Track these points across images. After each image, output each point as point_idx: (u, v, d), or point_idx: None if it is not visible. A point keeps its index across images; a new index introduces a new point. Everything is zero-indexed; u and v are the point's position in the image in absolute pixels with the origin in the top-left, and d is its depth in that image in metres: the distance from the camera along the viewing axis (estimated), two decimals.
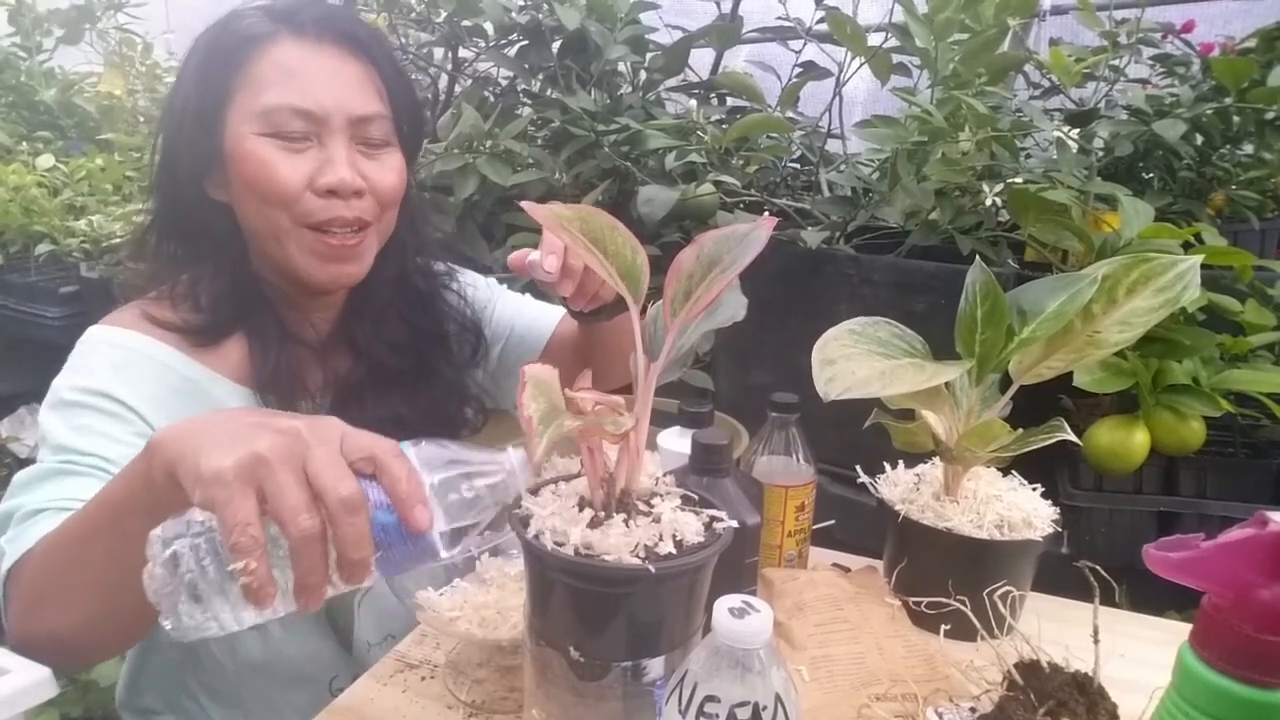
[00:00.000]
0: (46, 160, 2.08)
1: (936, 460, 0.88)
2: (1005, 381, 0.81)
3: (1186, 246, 1.04)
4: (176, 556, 0.49)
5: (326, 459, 0.50)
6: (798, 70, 1.51)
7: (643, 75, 1.64)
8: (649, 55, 1.62)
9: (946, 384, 0.79)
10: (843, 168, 1.46)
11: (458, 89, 1.79)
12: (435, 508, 0.52)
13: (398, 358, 0.92)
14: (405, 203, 0.89)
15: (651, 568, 0.52)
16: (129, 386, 0.78)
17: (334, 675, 0.90)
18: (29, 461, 2.38)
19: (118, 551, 0.59)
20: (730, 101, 1.67)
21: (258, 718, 0.89)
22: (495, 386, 1.07)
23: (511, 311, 1.08)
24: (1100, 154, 1.30)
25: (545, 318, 1.07)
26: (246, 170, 0.79)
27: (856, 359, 0.74)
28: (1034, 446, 0.79)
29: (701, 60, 1.72)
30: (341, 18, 0.84)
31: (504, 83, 1.73)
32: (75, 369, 0.80)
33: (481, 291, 1.08)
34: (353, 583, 0.51)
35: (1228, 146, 1.35)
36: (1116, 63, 1.39)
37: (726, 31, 1.61)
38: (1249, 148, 1.37)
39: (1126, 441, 1.04)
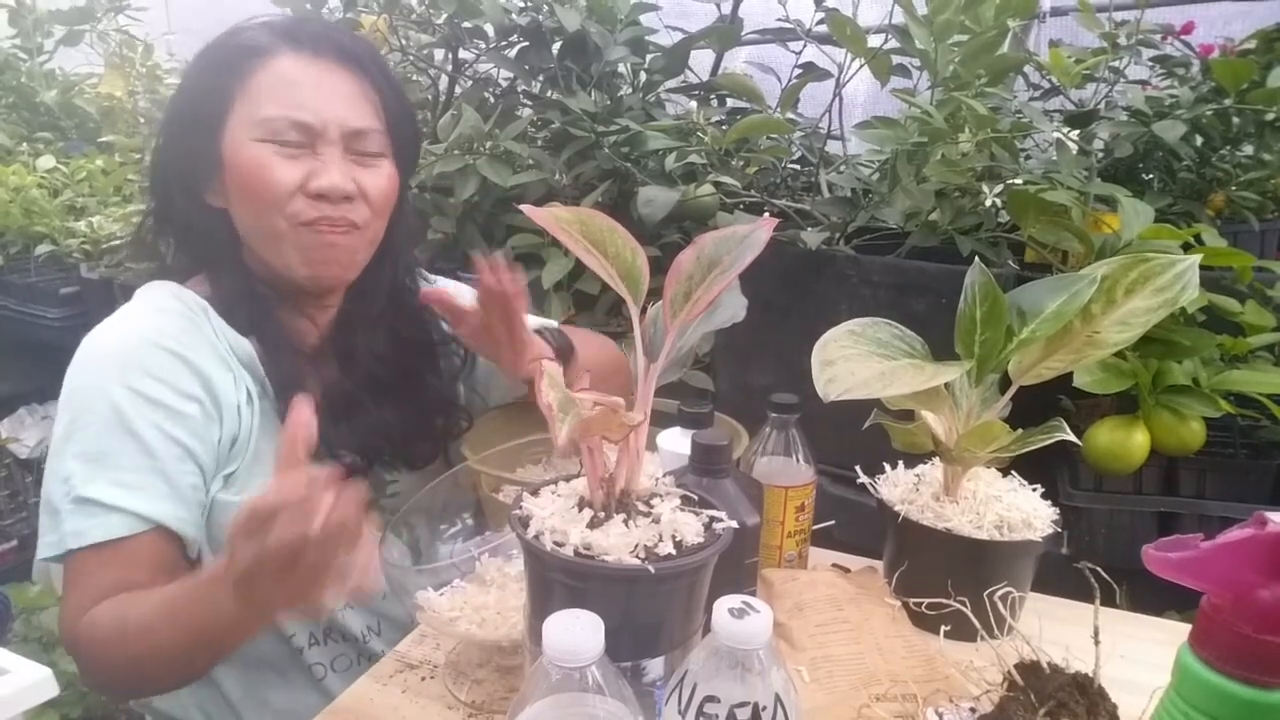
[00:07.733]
0: (47, 161, 2.08)
1: (936, 461, 0.88)
2: (1005, 382, 0.81)
3: (1186, 247, 1.04)
4: None
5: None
6: (797, 71, 1.51)
7: (643, 76, 1.64)
8: (649, 57, 1.62)
9: (946, 385, 0.79)
10: (842, 169, 1.45)
11: (458, 90, 1.79)
12: None
13: (385, 369, 0.93)
14: (400, 216, 0.92)
15: (651, 568, 0.53)
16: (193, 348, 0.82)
17: (292, 634, 0.91)
18: (29, 462, 2.35)
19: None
20: (730, 103, 1.67)
21: (236, 667, 0.91)
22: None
23: None
24: (1100, 155, 1.30)
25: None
26: (243, 172, 0.82)
27: (856, 360, 0.74)
28: (1033, 447, 0.79)
29: (701, 61, 1.72)
30: (339, 35, 0.87)
31: (504, 84, 1.73)
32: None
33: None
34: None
35: (1227, 148, 1.35)
36: (1116, 64, 1.39)
37: (726, 33, 1.61)
38: (1249, 149, 1.37)
39: (1126, 442, 1.03)
